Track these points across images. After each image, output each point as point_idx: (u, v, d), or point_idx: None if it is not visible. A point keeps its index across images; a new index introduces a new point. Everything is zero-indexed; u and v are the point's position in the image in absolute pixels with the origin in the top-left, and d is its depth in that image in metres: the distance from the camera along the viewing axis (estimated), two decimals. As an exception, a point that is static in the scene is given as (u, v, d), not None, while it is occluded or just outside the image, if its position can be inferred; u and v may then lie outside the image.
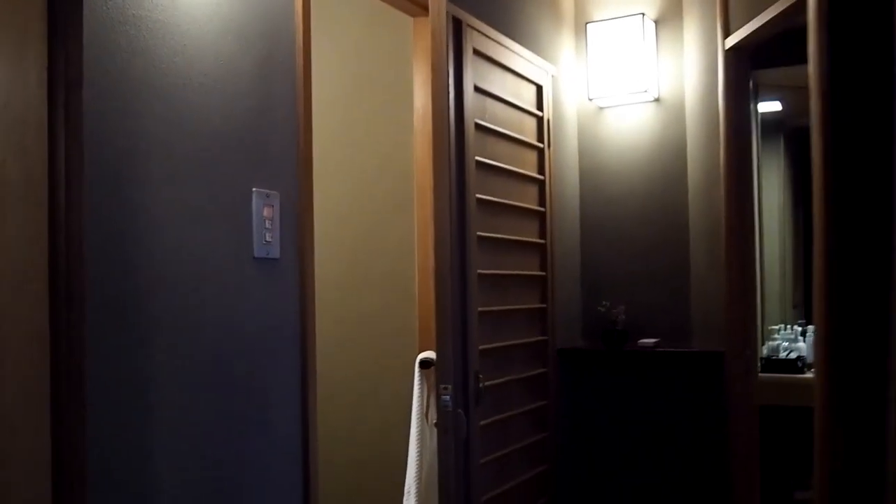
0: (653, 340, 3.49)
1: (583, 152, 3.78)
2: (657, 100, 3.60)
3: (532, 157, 3.33)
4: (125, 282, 1.48)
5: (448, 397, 1.97)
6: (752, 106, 3.83)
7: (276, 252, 1.84)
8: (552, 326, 3.40)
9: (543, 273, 3.35)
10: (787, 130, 4.68)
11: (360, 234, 3.09)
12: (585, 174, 3.78)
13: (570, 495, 3.58)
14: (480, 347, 2.72)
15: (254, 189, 1.78)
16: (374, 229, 3.05)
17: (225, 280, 1.70)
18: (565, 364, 3.55)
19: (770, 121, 4.53)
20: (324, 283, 3.00)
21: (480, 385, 2.64)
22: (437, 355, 1.96)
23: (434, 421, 2.13)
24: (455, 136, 2.62)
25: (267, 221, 1.81)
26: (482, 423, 2.71)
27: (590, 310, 3.71)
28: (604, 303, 3.59)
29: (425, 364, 2.22)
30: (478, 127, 2.79)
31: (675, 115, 3.58)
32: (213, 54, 1.69)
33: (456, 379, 2.06)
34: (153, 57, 1.55)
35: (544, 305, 3.34)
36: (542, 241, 3.36)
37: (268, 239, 1.80)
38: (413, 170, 2.78)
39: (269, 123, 1.85)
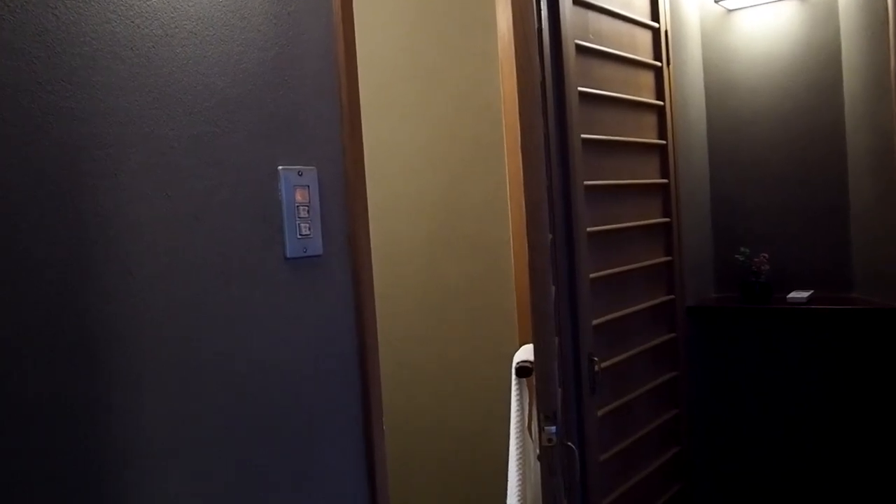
0: (805, 294, 2.89)
1: (709, 68, 3.15)
2: (802, -3, 2.93)
3: (647, 79, 2.74)
4: (93, 314, 1.05)
5: (554, 429, 1.50)
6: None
7: (316, 247, 1.38)
8: (680, 282, 2.86)
9: (667, 219, 2.80)
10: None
11: (438, 192, 2.50)
12: (713, 94, 3.15)
13: (708, 481, 3.08)
14: (594, 323, 2.23)
15: (280, 167, 1.32)
16: (456, 184, 2.46)
17: (244, 295, 1.25)
18: (696, 325, 3.00)
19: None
20: (397, 256, 2.54)
21: (596, 369, 2.15)
22: (537, 372, 1.49)
23: (537, 451, 1.67)
24: (551, 61, 2.08)
25: (301, 208, 1.34)
26: (599, 413, 2.23)
27: (724, 259, 3.14)
28: (742, 250, 3.01)
29: (522, 371, 1.74)
30: (579, 49, 2.24)
31: (826, 12, 2.90)
32: (210, -15, 1.22)
33: (566, 389, 1.57)
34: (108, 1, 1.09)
35: (670, 258, 2.80)
36: (664, 180, 2.79)
37: (304, 231, 1.35)
38: (500, 109, 2.24)
39: (297, 78, 1.37)
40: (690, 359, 2.93)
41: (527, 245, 1.52)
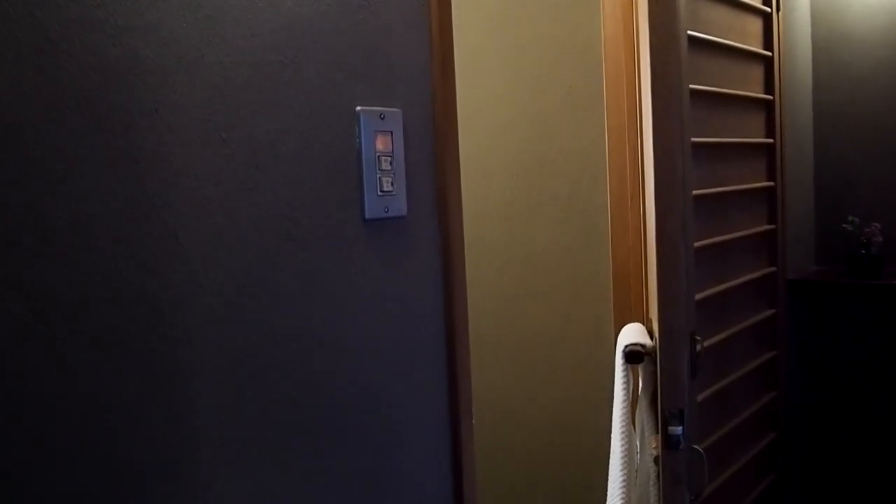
0: (923, 270, 2.58)
1: (817, 17, 2.82)
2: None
3: (755, 26, 2.44)
4: (131, 291, 0.83)
5: (680, 430, 1.25)
6: None
7: (400, 207, 1.13)
8: (783, 253, 2.57)
9: (771, 183, 2.50)
10: None
11: (526, 147, 2.20)
12: (821, 47, 2.83)
13: (806, 470, 2.80)
14: (697, 297, 1.96)
15: (359, 108, 1.07)
16: (547, 139, 2.16)
17: (313, 265, 1.02)
18: (795, 301, 2.71)
19: None
20: (476, 217, 2.26)
21: (698, 349, 1.89)
22: (662, 361, 1.24)
23: (652, 453, 1.41)
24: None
25: (383, 159, 1.10)
26: (700, 397, 1.97)
27: (827, 228, 2.83)
28: (850, 219, 2.70)
29: (633, 356, 1.49)
30: (687, -14, 1.95)
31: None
32: None
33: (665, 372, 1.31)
34: None
35: (773, 226, 2.51)
36: (769, 140, 2.49)
37: (386, 187, 1.10)
38: (601, 53, 1.96)
39: (379, 3, 1.11)
40: (789, 338, 2.65)
41: (654, 209, 1.26)
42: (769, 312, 2.49)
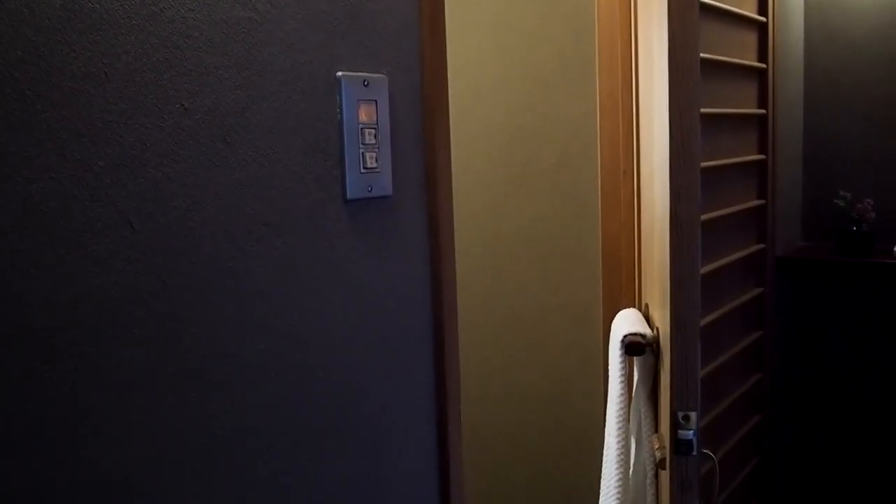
0: (915, 247, 2.52)
1: (811, -19, 2.72)
2: None
3: (749, -10, 2.33)
4: (77, 289, 0.70)
5: (691, 433, 1.15)
6: None
7: (385, 185, 1.01)
8: (772, 230, 2.48)
9: (763, 156, 2.41)
10: None
11: (512, 115, 2.08)
12: (814, 12, 2.72)
13: (790, 451, 2.75)
14: (688, 277, 1.86)
15: (340, 73, 0.95)
16: (534, 107, 2.01)
17: (289, 250, 0.90)
18: (782, 279, 2.64)
19: None
20: (459, 189, 2.10)
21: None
22: (674, 356, 1.13)
23: (654, 457, 1.31)
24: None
25: (367, 132, 0.98)
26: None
27: (815, 203, 2.76)
28: (842, 194, 2.62)
29: (633, 348, 1.38)
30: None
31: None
32: None
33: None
34: None
35: (762, 201, 2.42)
36: (761, 111, 2.39)
37: (370, 163, 0.98)
38: (593, 15, 1.84)
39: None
40: (777, 317, 2.58)
41: (668, 189, 1.15)
42: (757, 291, 2.41)
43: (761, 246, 2.42)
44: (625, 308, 1.64)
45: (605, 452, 1.52)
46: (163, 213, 0.77)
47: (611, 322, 1.64)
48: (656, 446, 1.33)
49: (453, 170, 1.91)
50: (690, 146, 1.14)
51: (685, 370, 1.13)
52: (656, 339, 1.38)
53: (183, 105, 0.79)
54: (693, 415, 1.14)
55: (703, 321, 2.01)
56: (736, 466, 2.34)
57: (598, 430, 1.72)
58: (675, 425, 1.15)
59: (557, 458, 2.15)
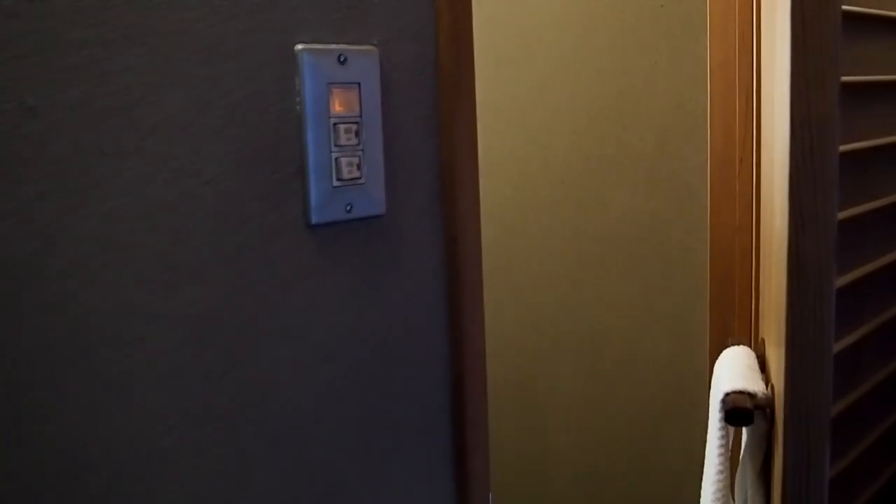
0: None
1: None
2: None
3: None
4: None
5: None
6: None
7: (373, 201, 0.72)
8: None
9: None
10: None
11: (601, 87, 1.71)
12: None
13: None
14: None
15: (300, 47, 0.66)
16: (628, 76, 1.66)
17: (203, 306, 0.63)
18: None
19: None
20: (535, 175, 1.77)
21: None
22: (788, 438, 0.80)
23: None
24: None
25: (343, 129, 0.69)
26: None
27: None
28: None
29: (737, 416, 1.03)
30: None
31: None
32: None
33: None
34: None
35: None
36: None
37: (347, 173, 0.69)
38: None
39: None
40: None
41: (788, 210, 0.82)
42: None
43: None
44: (734, 340, 1.27)
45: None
46: (69, 247, 0.51)
47: (719, 339, 1.30)
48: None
49: (527, 154, 1.58)
50: (830, 123, 0.80)
51: (807, 466, 0.80)
52: (770, 402, 1.04)
53: (25, 102, 0.53)
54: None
55: (843, 344, 1.63)
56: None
57: (698, 474, 1.39)
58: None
59: (644, 490, 1.82)
